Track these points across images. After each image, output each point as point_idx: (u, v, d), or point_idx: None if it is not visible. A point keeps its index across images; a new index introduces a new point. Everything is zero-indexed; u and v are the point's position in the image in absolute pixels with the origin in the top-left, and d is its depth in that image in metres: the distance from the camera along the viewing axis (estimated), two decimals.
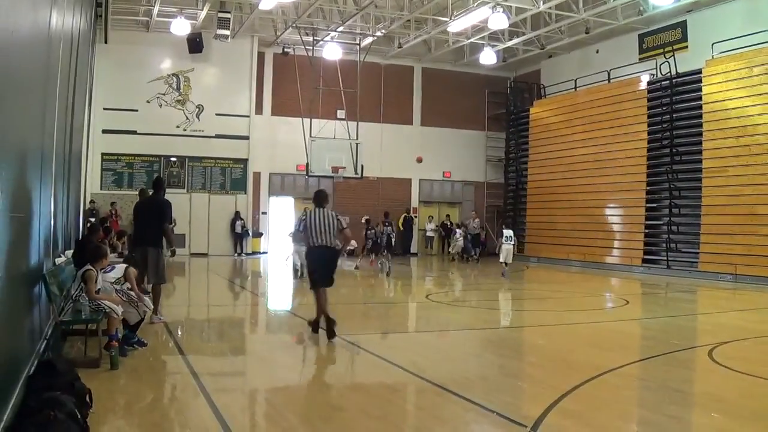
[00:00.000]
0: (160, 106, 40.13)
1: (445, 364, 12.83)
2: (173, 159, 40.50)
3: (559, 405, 9.68)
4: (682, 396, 10.93)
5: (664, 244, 33.89)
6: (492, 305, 22.46)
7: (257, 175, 42.66)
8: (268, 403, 10.28)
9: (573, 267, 36.50)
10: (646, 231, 35.27)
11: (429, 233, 46.03)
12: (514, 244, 30.81)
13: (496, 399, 10.12)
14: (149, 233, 15.88)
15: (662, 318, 20.00)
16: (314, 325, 15.06)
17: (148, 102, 39.81)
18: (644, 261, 34.83)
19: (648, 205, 35.59)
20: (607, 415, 9.75)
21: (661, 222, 34.77)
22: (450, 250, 43.32)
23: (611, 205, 37.33)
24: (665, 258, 33.45)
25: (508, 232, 30.59)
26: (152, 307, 13.93)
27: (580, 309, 22.15)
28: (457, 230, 42.93)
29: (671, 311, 20.80)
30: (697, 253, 31.87)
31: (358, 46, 41.55)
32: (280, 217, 43.27)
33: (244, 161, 41.59)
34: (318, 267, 15.01)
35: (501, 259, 30.35)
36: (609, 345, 15.56)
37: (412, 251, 45.41)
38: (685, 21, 35.48)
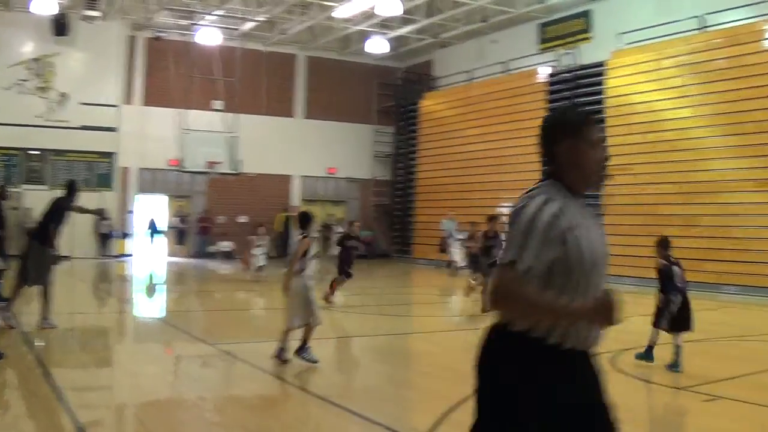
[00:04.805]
0: (20, 93, 39.15)
1: (329, 374, 12.79)
2: (34, 152, 39.63)
3: (450, 416, 9.69)
4: None
5: None
6: (380, 310, 22.39)
7: (125, 171, 41.90)
8: (137, 419, 10.13)
9: (466, 270, 36.66)
10: None
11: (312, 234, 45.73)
12: None
13: (383, 411, 10.14)
14: (36, 230, 16.42)
15: None
16: None
17: (6, 89, 38.68)
18: None
19: None
20: None
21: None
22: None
23: (507, 205, 37.57)
24: None
25: None
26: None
27: (474, 314, 22.30)
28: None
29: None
30: None
31: (237, 32, 41.31)
32: (152, 216, 42.70)
33: (112, 155, 40.79)
34: None
35: None
36: None
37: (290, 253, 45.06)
38: (590, 10, 35.98)
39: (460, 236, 33.37)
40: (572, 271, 4.19)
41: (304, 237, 13.53)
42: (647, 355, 13.27)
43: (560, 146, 4.25)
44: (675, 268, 13.58)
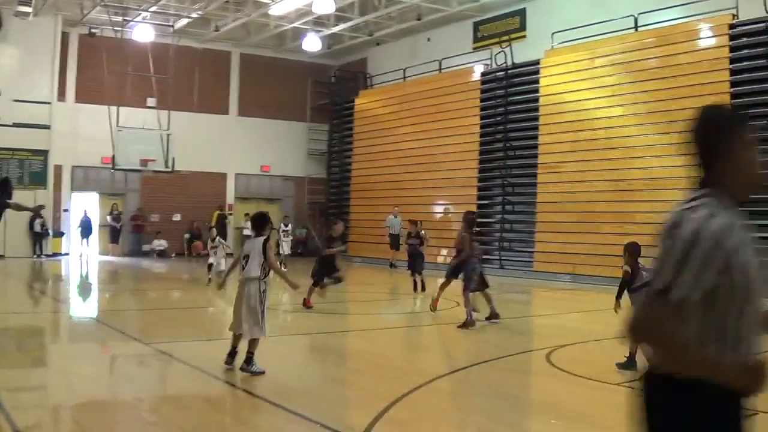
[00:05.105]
0: None
1: (266, 372, 12.66)
2: None
3: (387, 414, 9.74)
4: (519, 402, 11.14)
5: (497, 243, 34.56)
6: (317, 308, 22.32)
7: (59, 169, 41.43)
8: (73, 420, 10.02)
9: (400, 267, 36.67)
10: (478, 229, 35.73)
11: (246, 232, 45.63)
12: None
13: (320, 409, 10.10)
14: None
15: (496, 320, 20.34)
16: None
17: None
18: None
19: (480, 202, 36.08)
20: (438, 424, 9.86)
21: (494, 220, 35.43)
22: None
23: (441, 202, 37.79)
24: (498, 257, 34.02)
25: None
26: None
27: (408, 312, 22.34)
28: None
29: (505, 313, 20.92)
30: (532, 252, 32.52)
31: (171, 29, 41.04)
32: (84, 215, 42.19)
33: (45, 153, 40.25)
34: None
35: None
36: (440, 349, 15.75)
37: (228, 252, 45.01)
38: (524, 9, 36.22)
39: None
40: (736, 299, 3.63)
41: (267, 240, 12.62)
42: (630, 363, 12.30)
43: (720, 148, 3.81)
44: (644, 274, 12.55)
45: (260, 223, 12.83)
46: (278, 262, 13.68)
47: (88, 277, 32.84)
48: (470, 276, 18.30)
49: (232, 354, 12.31)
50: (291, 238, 36.56)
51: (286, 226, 34.87)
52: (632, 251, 13.11)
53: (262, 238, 12.58)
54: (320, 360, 14.38)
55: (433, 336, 17.39)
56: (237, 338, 12.38)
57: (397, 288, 28.75)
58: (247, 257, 12.35)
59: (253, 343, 12.09)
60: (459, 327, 17.50)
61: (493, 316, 18.31)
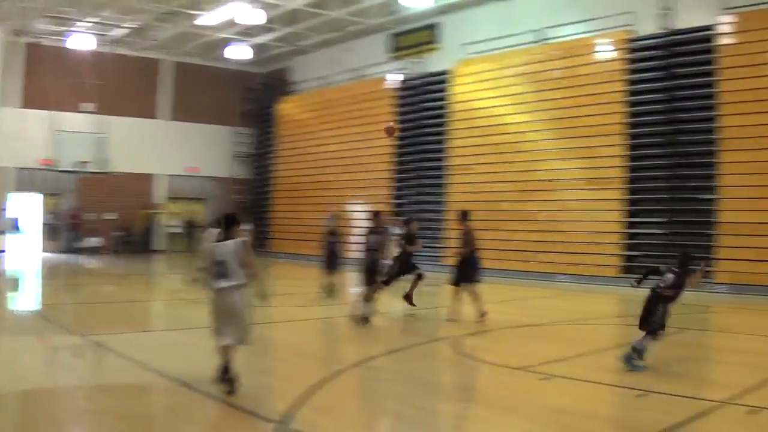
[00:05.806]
0: None
1: (193, 362, 12.59)
2: None
3: (307, 400, 9.86)
4: (431, 387, 11.25)
5: None
6: None
7: (3, 170, 40.96)
8: (15, 407, 9.99)
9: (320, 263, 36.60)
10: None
11: (175, 230, 45.57)
12: None
13: (244, 396, 10.12)
14: None
15: (408, 311, 20.47)
16: None
17: None
18: None
19: (396, 201, 36.36)
20: (355, 408, 10.00)
21: (408, 218, 35.62)
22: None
23: (358, 202, 37.88)
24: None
25: None
26: None
27: (326, 304, 22.33)
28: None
29: (418, 304, 21.17)
30: (442, 247, 32.69)
31: (109, 38, 40.70)
32: (27, 214, 41.78)
33: None
34: None
35: None
36: (355, 338, 15.81)
37: (155, 248, 44.93)
38: (438, 23, 36.45)
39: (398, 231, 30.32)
40: None
41: (245, 240, 10.59)
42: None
43: None
44: (667, 275, 11.80)
45: (231, 224, 10.67)
46: None
47: (26, 273, 32.45)
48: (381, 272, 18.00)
49: (226, 370, 10.39)
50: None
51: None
52: (679, 257, 12.14)
53: (237, 240, 10.53)
54: (243, 350, 14.34)
55: (349, 327, 17.43)
56: (226, 350, 10.48)
57: (319, 283, 28.80)
58: (222, 263, 10.37)
59: (232, 350, 10.50)
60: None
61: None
